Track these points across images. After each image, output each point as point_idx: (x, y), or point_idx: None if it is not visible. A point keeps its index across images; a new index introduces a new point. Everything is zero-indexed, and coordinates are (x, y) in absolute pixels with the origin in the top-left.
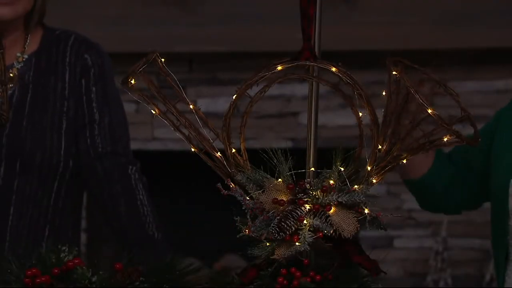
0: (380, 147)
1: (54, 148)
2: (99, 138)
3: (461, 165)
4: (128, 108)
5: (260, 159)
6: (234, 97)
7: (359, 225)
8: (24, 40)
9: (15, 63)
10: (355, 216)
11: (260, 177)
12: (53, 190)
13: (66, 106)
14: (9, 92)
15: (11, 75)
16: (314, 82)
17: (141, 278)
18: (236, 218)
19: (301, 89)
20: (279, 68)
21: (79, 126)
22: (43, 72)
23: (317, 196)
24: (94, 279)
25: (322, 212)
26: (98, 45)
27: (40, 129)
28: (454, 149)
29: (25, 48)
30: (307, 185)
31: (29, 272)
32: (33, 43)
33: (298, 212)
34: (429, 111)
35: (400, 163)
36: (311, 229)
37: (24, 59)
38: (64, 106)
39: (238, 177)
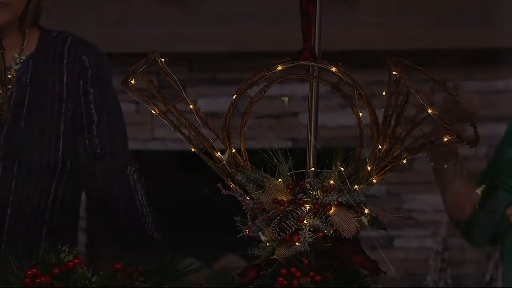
0: (380, 147)
1: (52, 149)
2: (97, 139)
3: None
4: (128, 108)
5: (260, 159)
6: (234, 97)
7: (359, 225)
8: (21, 42)
9: (13, 65)
10: (355, 216)
11: (260, 177)
12: (51, 191)
13: (64, 107)
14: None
15: (9, 76)
16: (314, 82)
17: (141, 278)
18: (236, 218)
19: (301, 89)
20: (279, 68)
21: (77, 128)
22: (41, 74)
23: (317, 196)
24: (94, 279)
25: (322, 212)
26: (95, 46)
27: (38, 131)
28: None
29: (22, 49)
30: (307, 185)
31: (29, 272)
32: (30, 45)
33: (298, 212)
34: (429, 111)
35: None
36: (311, 229)
37: (21, 61)
38: (62, 107)
39: (238, 177)
